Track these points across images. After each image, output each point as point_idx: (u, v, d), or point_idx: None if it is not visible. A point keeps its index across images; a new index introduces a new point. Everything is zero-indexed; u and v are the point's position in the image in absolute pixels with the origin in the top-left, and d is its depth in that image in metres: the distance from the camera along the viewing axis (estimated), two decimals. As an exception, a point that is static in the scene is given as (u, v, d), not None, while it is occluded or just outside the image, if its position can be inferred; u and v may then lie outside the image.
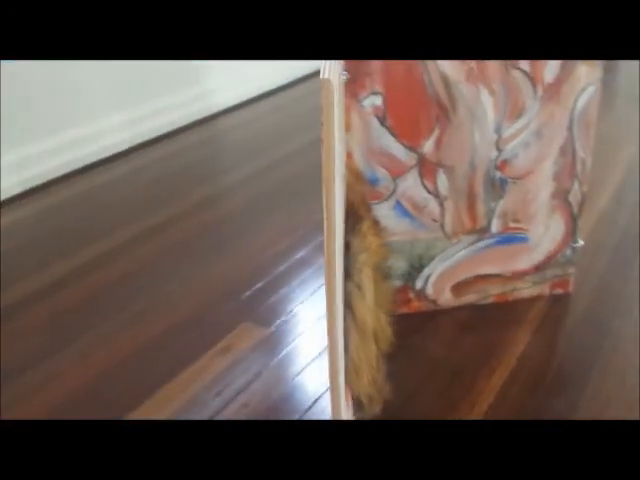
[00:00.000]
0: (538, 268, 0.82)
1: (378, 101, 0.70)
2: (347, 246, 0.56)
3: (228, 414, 0.67)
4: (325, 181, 0.41)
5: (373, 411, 0.63)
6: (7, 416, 0.68)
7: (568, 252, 0.82)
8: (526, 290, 0.83)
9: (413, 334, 0.79)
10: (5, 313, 0.84)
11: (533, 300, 0.83)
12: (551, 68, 0.72)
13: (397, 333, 0.78)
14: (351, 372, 0.51)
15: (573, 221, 0.80)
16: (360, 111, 0.70)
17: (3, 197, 1.11)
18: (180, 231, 1.03)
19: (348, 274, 0.54)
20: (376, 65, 0.68)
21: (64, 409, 0.70)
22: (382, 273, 0.61)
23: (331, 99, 0.39)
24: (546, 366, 0.73)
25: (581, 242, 0.82)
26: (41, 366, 0.76)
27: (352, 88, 0.68)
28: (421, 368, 0.73)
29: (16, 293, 0.88)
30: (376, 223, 0.60)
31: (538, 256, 0.81)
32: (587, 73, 0.73)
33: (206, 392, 0.71)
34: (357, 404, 0.62)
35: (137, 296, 0.87)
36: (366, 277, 0.54)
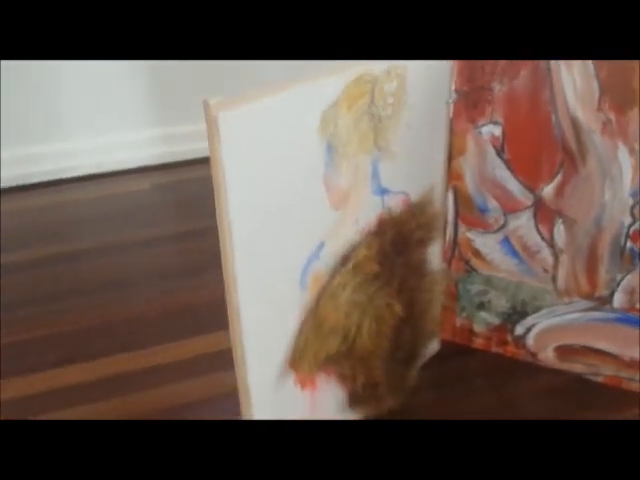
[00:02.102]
0: (668, 368, 0.69)
1: (497, 131, 0.67)
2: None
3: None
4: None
5: (366, 413, 0.67)
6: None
7: None
8: (648, 387, 0.71)
9: (494, 375, 0.75)
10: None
11: (653, 401, 0.70)
12: None
13: (478, 369, 0.77)
14: (294, 353, 0.57)
15: None
16: (477, 137, 0.69)
17: None
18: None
19: (334, 273, 0.59)
20: (499, 94, 0.66)
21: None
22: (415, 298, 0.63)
23: (215, 135, 0.43)
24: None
25: None
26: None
27: (471, 113, 0.68)
28: (472, 407, 0.71)
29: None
30: (397, 242, 0.61)
31: (671, 354, 0.68)
32: None
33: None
34: (352, 399, 0.66)
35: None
36: (342, 280, 0.58)
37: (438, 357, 0.78)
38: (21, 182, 1.24)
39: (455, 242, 0.74)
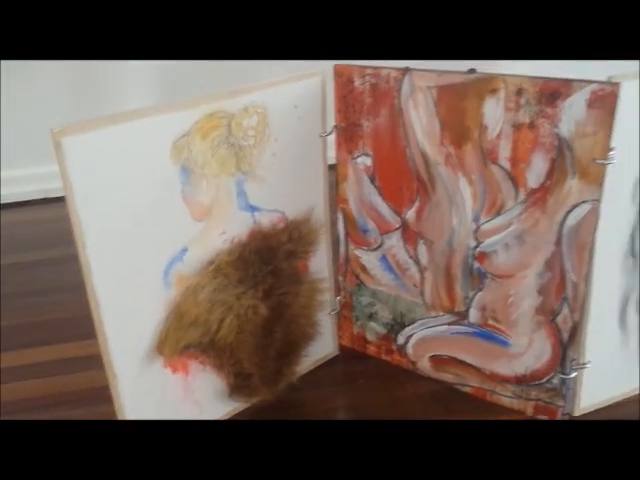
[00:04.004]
0: (520, 381, 0.75)
1: (369, 162, 0.77)
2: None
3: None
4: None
5: (244, 402, 0.77)
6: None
7: (556, 380, 0.72)
8: (506, 399, 0.77)
9: (383, 379, 0.83)
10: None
11: (512, 412, 0.76)
12: (535, 173, 0.66)
13: (369, 373, 0.86)
14: (159, 339, 0.69)
15: (562, 348, 0.70)
16: (354, 166, 0.79)
17: None
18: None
19: (199, 274, 0.70)
20: (367, 129, 0.76)
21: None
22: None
23: (60, 158, 0.56)
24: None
25: (573, 374, 0.71)
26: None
27: (348, 145, 0.78)
28: (363, 404, 0.80)
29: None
30: (252, 254, 0.71)
31: (519, 368, 0.74)
32: (580, 188, 0.64)
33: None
34: (229, 388, 0.77)
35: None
36: (203, 281, 0.69)
37: (336, 360, 0.88)
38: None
39: (347, 258, 0.84)
